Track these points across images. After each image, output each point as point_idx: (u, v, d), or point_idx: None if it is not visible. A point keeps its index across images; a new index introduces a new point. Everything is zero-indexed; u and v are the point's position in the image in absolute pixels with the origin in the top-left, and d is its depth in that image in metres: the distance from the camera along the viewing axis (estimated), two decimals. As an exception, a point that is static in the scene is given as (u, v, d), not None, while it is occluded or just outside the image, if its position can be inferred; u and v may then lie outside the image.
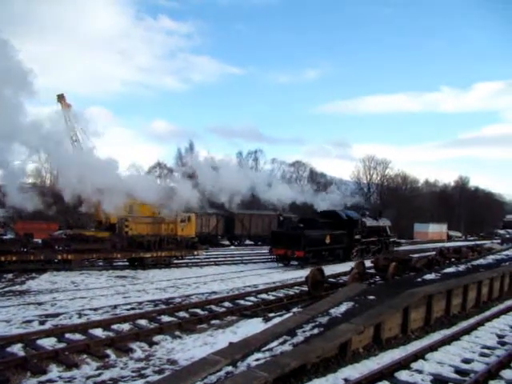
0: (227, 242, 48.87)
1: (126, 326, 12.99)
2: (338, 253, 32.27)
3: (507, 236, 62.14)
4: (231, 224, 48.05)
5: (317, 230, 30.87)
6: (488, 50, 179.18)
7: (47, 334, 11.72)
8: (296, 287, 20.28)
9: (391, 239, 40.31)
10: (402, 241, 52.49)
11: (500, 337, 12.02)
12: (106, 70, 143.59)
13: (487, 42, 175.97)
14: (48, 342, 11.17)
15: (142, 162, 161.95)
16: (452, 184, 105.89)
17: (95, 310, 14.80)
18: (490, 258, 24.32)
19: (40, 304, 15.70)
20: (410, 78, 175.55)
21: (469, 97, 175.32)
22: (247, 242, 50.46)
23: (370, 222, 36.65)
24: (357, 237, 34.09)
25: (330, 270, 24.41)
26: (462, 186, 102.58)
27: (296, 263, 29.66)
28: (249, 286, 20.50)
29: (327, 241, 31.04)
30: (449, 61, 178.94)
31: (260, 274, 25.06)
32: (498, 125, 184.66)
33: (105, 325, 12.83)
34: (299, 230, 30.01)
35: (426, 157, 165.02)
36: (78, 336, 11.84)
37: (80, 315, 13.98)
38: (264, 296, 18.35)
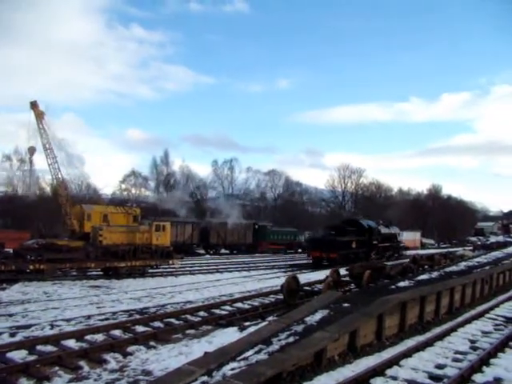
0: (202, 251, 48.66)
1: (99, 337, 12.79)
2: (360, 256, 36.40)
3: (479, 243, 63.30)
4: (206, 233, 47.90)
5: (345, 236, 36.19)
6: (454, 62, 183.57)
7: (18, 346, 11.44)
8: (271, 296, 20.27)
9: (401, 244, 46.56)
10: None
11: (472, 342, 12.19)
12: (78, 77, 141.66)
13: (454, 53, 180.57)
14: (18, 355, 10.90)
15: (116, 170, 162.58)
16: (425, 192, 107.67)
17: (68, 320, 14.54)
18: (463, 265, 24.68)
19: (11, 315, 15.36)
20: (380, 88, 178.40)
21: (437, 107, 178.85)
22: (223, 250, 50.31)
23: (383, 230, 41.76)
24: (374, 242, 39.40)
25: (304, 278, 24.55)
26: (434, 194, 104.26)
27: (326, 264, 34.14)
28: (224, 295, 20.43)
29: (353, 245, 36.60)
30: (417, 72, 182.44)
31: (236, 283, 25.00)
32: (467, 135, 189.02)
33: (78, 336, 12.61)
34: (332, 236, 35.48)
35: (399, 165, 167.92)
36: (49, 348, 11.60)
37: (52, 326, 13.71)
38: (239, 305, 18.29)
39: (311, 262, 36.55)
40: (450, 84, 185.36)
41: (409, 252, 49.01)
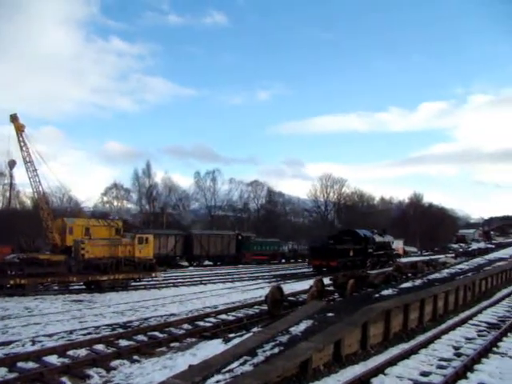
0: (186, 263, 48.37)
1: (82, 352, 12.61)
2: (357, 263, 37.87)
3: (461, 250, 63.87)
4: (190, 244, 47.66)
5: (343, 245, 37.88)
6: (431, 71, 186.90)
7: (-3, 363, 11.23)
8: (256, 307, 20.19)
9: (394, 252, 48.40)
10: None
11: (456, 348, 12.27)
12: (58, 90, 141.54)
13: (431, 63, 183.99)
14: (-2, 373, 10.72)
15: (98, 183, 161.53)
16: (407, 201, 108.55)
17: (50, 336, 14.32)
18: (445, 272, 24.87)
19: (-10, 332, 15.10)
20: (359, 98, 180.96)
21: (415, 116, 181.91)
22: (206, 262, 50.09)
23: (378, 238, 43.28)
24: (370, 250, 41.08)
25: (288, 288, 24.53)
26: (416, 203, 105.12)
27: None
28: (208, 307, 20.29)
29: (351, 253, 38.20)
30: (395, 82, 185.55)
31: (220, 295, 24.87)
32: (446, 143, 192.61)
33: (60, 351, 12.41)
34: (332, 245, 36.91)
35: (381, 175, 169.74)
36: (31, 364, 11.39)
37: (34, 342, 13.49)
38: (224, 317, 18.18)
39: (311, 270, 38.12)
40: (428, 94, 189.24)
41: (404, 259, 49.74)
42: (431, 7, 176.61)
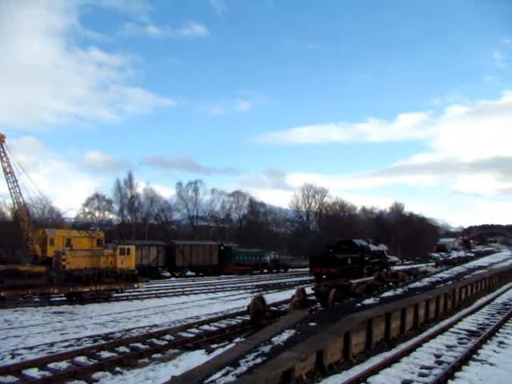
0: (168, 274, 48.10)
1: (63, 364, 12.49)
2: (355, 271, 39.08)
3: (441, 259, 64.59)
4: (172, 255, 47.37)
5: (342, 254, 39.45)
6: (408, 83, 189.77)
7: (-25, 378, 11.07)
8: (238, 317, 20.16)
9: (388, 260, 49.36)
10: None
11: (437, 356, 12.40)
12: (38, 101, 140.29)
13: (407, 75, 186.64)
14: (-24, 388, 10.55)
15: (80, 193, 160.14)
16: (388, 210, 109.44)
17: (30, 348, 14.15)
18: (426, 281, 25.14)
19: (-31, 346, 14.85)
20: (338, 109, 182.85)
21: (394, 127, 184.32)
22: (188, 273, 49.87)
23: (373, 247, 44.78)
24: (366, 259, 42.37)
25: (270, 298, 24.55)
26: (397, 212, 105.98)
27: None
28: (191, 318, 20.20)
29: (349, 262, 39.23)
30: (373, 93, 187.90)
31: (202, 305, 24.78)
32: (425, 154, 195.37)
33: (40, 364, 12.27)
34: (332, 254, 39.10)
35: (362, 185, 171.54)
36: (10, 378, 11.24)
37: (13, 355, 13.32)
38: (206, 327, 18.13)
39: (313, 277, 39.78)
40: (406, 105, 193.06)
41: (396, 267, 50.42)
42: (409, 21, 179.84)
